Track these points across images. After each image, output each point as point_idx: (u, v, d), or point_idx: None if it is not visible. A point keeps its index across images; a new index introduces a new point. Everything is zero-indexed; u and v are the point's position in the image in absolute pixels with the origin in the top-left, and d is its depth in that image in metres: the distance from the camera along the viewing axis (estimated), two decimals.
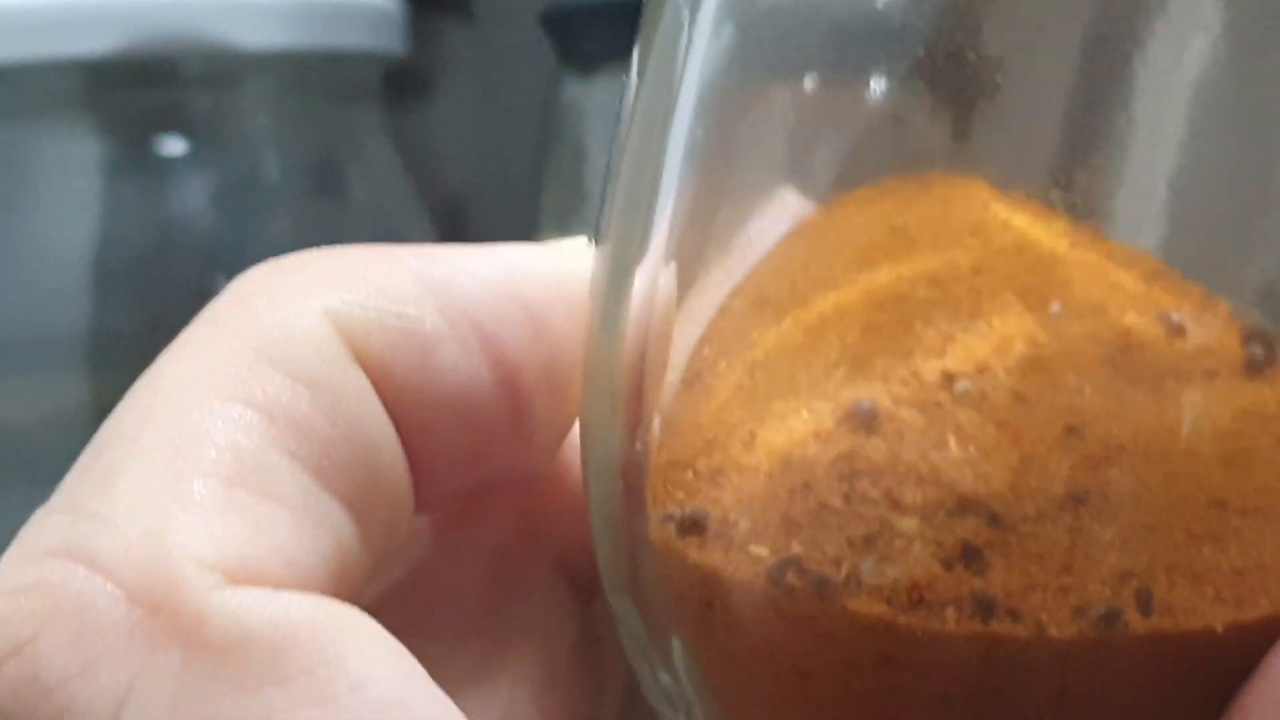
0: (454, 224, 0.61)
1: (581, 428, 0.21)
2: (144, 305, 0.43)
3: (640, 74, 0.21)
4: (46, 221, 0.43)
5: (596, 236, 0.21)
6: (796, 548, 0.18)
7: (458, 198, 0.61)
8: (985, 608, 0.18)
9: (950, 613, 0.18)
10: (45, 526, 0.18)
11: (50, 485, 0.19)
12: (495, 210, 0.56)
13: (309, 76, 0.46)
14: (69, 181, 0.43)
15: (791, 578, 0.18)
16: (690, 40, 0.20)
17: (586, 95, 0.45)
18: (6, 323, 0.42)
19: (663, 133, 0.20)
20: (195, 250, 0.44)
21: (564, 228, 0.45)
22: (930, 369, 0.19)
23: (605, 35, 0.43)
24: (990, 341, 0.19)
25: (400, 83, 0.54)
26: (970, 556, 0.18)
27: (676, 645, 0.20)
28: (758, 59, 0.20)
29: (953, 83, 0.19)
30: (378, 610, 0.18)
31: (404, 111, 0.57)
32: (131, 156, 0.45)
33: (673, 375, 0.20)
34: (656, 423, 0.20)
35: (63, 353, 0.42)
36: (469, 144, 0.61)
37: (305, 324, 0.19)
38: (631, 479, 0.20)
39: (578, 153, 0.45)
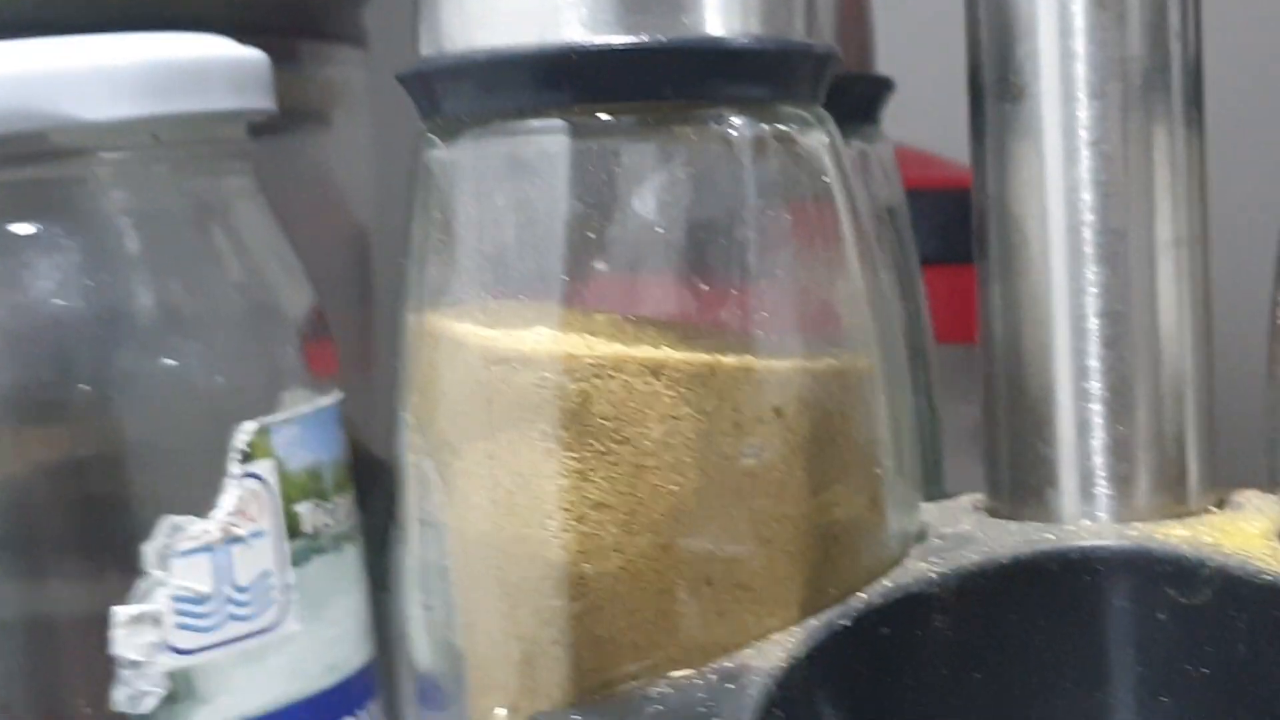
0: (359, 255, 0.59)
1: None
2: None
3: None
4: None
5: None
6: None
7: (359, 229, 0.59)
8: None
9: None
10: None
11: None
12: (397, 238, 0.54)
13: (167, 143, 0.45)
14: None
15: None
16: None
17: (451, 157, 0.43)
18: None
19: None
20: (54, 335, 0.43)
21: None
22: None
23: (467, 96, 0.42)
24: None
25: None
26: None
27: None
28: None
29: None
30: None
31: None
32: None
33: None
34: None
35: None
36: (366, 174, 0.59)
37: None
38: None
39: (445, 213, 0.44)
